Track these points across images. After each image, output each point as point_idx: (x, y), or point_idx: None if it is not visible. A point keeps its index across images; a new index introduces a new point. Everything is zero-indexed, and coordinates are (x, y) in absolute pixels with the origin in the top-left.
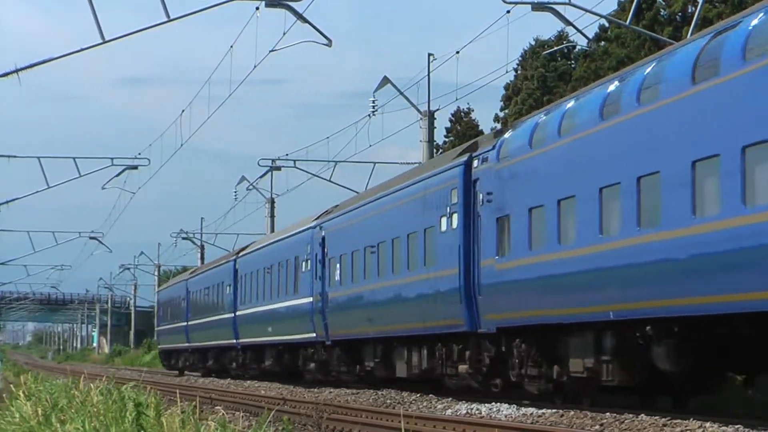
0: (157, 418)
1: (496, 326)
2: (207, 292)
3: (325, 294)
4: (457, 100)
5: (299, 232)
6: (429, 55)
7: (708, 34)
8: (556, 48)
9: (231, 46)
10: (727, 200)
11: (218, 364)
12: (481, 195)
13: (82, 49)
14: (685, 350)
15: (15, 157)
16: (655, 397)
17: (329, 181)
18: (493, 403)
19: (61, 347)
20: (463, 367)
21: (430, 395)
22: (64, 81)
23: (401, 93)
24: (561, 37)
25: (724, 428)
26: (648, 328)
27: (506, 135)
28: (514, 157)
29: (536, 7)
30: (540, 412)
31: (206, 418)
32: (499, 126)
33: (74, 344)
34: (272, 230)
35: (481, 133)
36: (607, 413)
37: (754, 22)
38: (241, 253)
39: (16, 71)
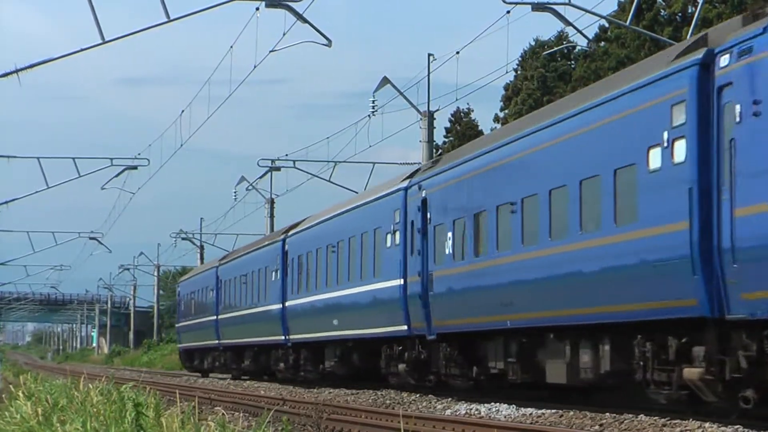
0: (157, 418)
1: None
2: (245, 279)
3: (428, 274)
4: (457, 100)
5: (381, 198)
6: (429, 55)
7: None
8: (556, 48)
9: (231, 47)
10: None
11: (257, 365)
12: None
13: (82, 50)
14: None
15: (15, 157)
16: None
17: (329, 181)
18: (493, 404)
19: (61, 347)
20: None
21: (430, 395)
22: (64, 81)
23: (401, 93)
24: (561, 37)
25: (723, 428)
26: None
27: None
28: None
29: (536, 8)
30: (540, 412)
31: (206, 418)
32: (499, 126)
33: (74, 344)
34: (272, 231)
35: (481, 133)
36: (607, 413)
37: None
38: (292, 231)
39: (16, 71)
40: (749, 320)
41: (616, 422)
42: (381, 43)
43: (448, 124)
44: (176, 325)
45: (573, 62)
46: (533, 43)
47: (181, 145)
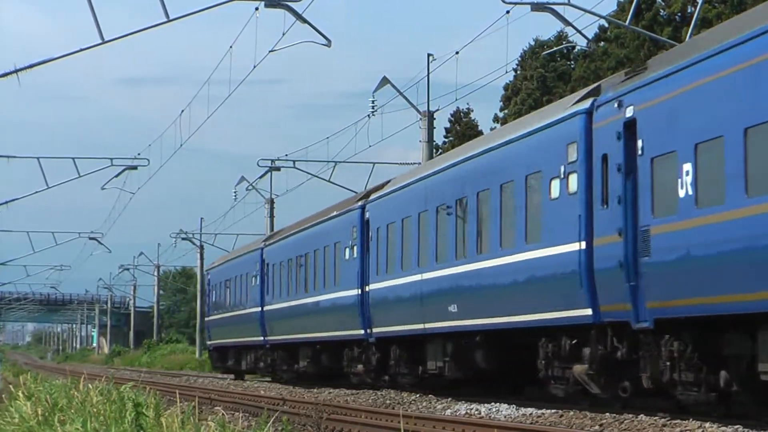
0: (157, 418)
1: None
2: (302, 261)
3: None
4: (456, 100)
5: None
6: (428, 55)
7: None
8: (555, 48)
9: (231, 47)
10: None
11: (318, 366)
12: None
13: (82, 50)
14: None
15: (15, 157)
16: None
17: (329, 181)
18: (493, 404)
19: (61, 347)
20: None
21: (430, 395)
22: (64, 81)
23: (401, 93)
24: (560, 37)
25: (723, 428)
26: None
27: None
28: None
29: (536, 8)
30: (539, 412)
31: (206, 418)
32: (498, 125)
33: (74, 345)
34: (272, 231)
35: (481, 133)
36: (607, 413)
37: None
38: (374, 196)
39: (16, 71)
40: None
41: (616, 422)
42: (381, 43)
43: (448, 124)
44: (206, 319)
45: (572, 62)
46: (533, 43)
47: (181, 145)
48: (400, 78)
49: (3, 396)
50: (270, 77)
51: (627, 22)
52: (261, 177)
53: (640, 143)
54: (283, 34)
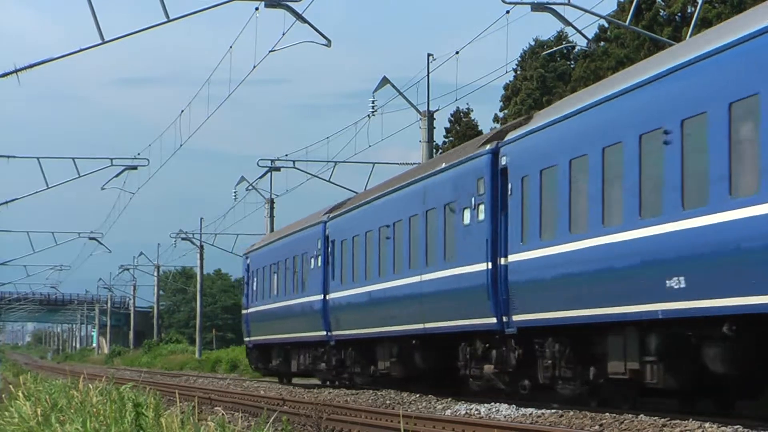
0: (157, 418)
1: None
2: (388, 232)
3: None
4: (456, 100)
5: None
6: (428, 55)
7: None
8: (555, 48)
9: (230, 47)
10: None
11: (407, 366)
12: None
13: (82, 50)
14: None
15: (14, 157)
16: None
17: (329, 181)
18: (492, 403)
19: (61, 347)
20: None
21: (430, 395)
22: (64, 81)
23: (401, 93)
24: (560, 37)
25: (723, 428)
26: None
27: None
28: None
29: (536, 8)
30: (540, 412)
31: (205, 418)
32: (498, 125)
33: (73, 344)
34: (272, 231)
35: (481, 133)
36: (607, 413)
37: None
38: (511, 136)
39: (16, 71)
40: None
41: (616, 422)
42: (381, 43)
43: (448, 124)
44: (244, 312)
45: (572, 62)
46: (533, 43)
47: (181, 146)
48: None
49: (3, 396)
50: (270, 77)
51: (627, 22)
52: (261, 177)
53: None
54: (283, 34)
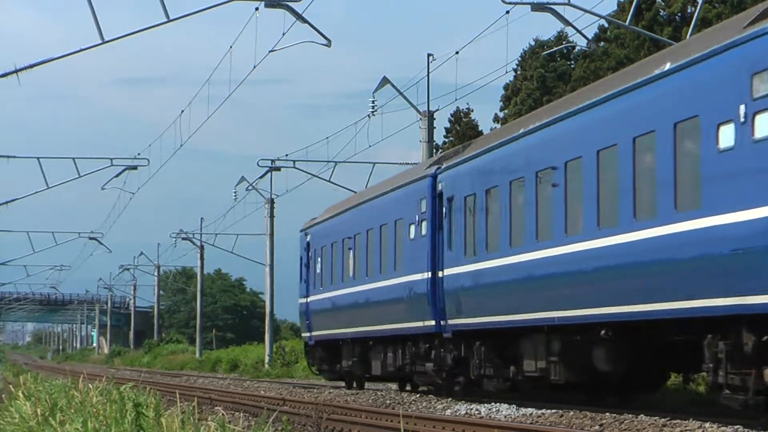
0: (157, 418)
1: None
2: (548, 176)
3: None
4: (456, 100)
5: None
6: (428, 55)
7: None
8: (555, 48)
9: (231, 47)
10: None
11: (575, 369)
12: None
13: (82, 50)
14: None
15: (14, 157)
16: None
17: (329, 181)
18: (493, 403)
19: (61, 347)
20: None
21: (430, 395)
22: (64, 81)
23: (401, 93)
24: (560, 37)
25: (723, 428)
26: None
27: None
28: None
29: (536, 8)
30: (540, 412)
31: (206, 418)
32: (498, 125)
33: (74, 344)
34: (272, 231)
35: (481, 133)
36: (607, 413)
37: None
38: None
39: (16, 71)
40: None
41: (616, 422)
42: (381, 43)
43: (448, 124)
44: (301, 301)
45: (572, 62)
46: (533, 43)
47: (181, 146)
48: (400, 78)
49: (3, 396)
50: (270, 77)
51: (627, 22)
52: (261, 177)
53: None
54: (283, 34)
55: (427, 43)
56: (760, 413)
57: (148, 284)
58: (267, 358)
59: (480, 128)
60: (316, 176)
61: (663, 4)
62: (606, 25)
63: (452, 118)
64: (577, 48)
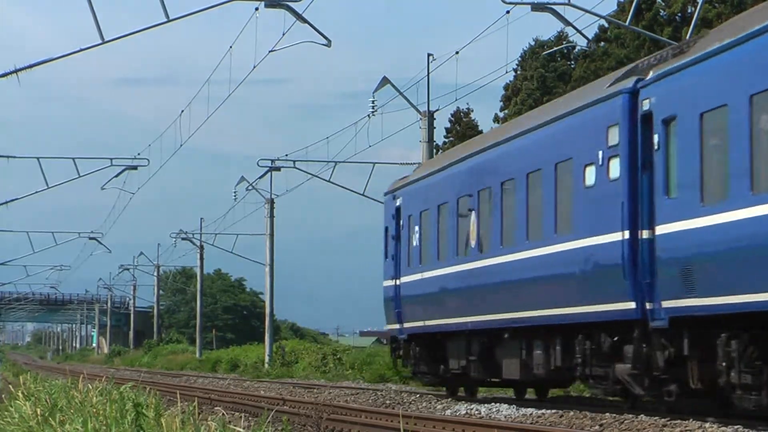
0: (157, 418)
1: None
2: None
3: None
4: (456, 100)
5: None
6: (428, 55)
7: None
8: (555, 48)
9: (230, 47)
10: None
11: None
12: None
13: (82, 50)
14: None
15: (14, 157)
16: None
17: (329, 181)
18: (493, 403)
19: (61, 347)
20: None
21: (430, 395)
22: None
23: (401, 93)
24: (560, 37)
25: (723, 428)
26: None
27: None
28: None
29: (536, 8)
30: (540, 412)
31: (206, 418)
32: (499, 125)
33: (73, 344)
34: (272, 231)
35: (481, 133)
36: (607, 413)
37: None
38: None
39: (16, 71)
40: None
41: (616, 422)
42: (381, 43)
43: (448, 124)
44: (386, 284)
45: (572, 62)
46: (533, 43)
47: (181, 146)
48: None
49: (3, 396)
50: (270, 77)
51: (627, 22)
52: (261, 177)
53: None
54: (283, 34)
55: (427, 43)
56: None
57: (148, 284)
58: (267, 358)
59: (480, 128)
60: (316, 176)
61: (663, 4)
62: (606, 25)
63: (452, 118)
64: (577, 48)
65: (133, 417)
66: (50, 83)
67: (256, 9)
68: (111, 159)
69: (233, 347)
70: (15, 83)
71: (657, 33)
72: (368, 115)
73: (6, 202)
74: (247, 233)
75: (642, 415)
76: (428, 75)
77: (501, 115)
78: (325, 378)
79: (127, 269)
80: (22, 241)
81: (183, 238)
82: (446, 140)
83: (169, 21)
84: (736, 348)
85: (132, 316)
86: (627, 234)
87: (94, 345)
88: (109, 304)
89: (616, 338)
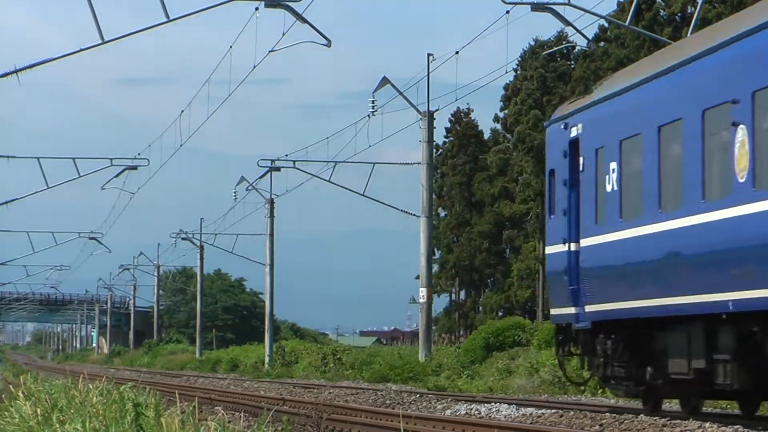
0: (157, 418)
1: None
2: None
3: None
4: (456, 100)
5: None
6: (428, 55)
7: None
8: (555, 48)
9: (230, 47)
10: None
11: None
12: None
13: (82, 50)
14: None
15: (14, 157)
16: None
17: (329, 181)
18: (493, 403)
19: (61, 347)
20: None
21: (430, 395)
22: (64, 81)
23: (401, 93)
24: (560, 37)
25: (723, 428)
26: None
27: None
28: None
29: (536, 8)
30: (540, 412)
31: (206, 418)
32: (499, 126)
33: (73, 344)
34: (272, 231)
35: (482, 133)
36: (607, 413)
37: None
38: None
39: (16, 71)
40: None
41: (616, 422)
42: (381, 43)
43: (449, 124)
44: (557, 249)
45: (572, 62)
46: (533, 43)
47: (181, 146)
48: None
49: (3, 396)
50: (270, 77)
51: (627, 22)
52: (261, 177)
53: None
54: (283, 34)
55: (427, 43)
56: None
57: (148, 284)
58: (267, 358)
59: (480, 128)
60: (316, 176)
61: (663, 4)
62: (606, 25)
63: (452, 118)
64: (577, 48)
65: (133, 417)
66: (50, 83)
67: (256, 9)
68: (111, 159)
69: (233, 347)
70: (15, 83)
71: (657, 33)
72: (368, 115)
73: (6, 202)
74: (247, 233)
75: (642, 415)
76: (428, 75)
77: (501, 115)
78: (325, 378)
79: (127, 269)
80: (22, 241)
81: (183, 238)
82: (446, 140)
83: (169, 21)
84: None
85: (132, 316)
86: None
87: (94, 345)
88: (109, 304)
89: None
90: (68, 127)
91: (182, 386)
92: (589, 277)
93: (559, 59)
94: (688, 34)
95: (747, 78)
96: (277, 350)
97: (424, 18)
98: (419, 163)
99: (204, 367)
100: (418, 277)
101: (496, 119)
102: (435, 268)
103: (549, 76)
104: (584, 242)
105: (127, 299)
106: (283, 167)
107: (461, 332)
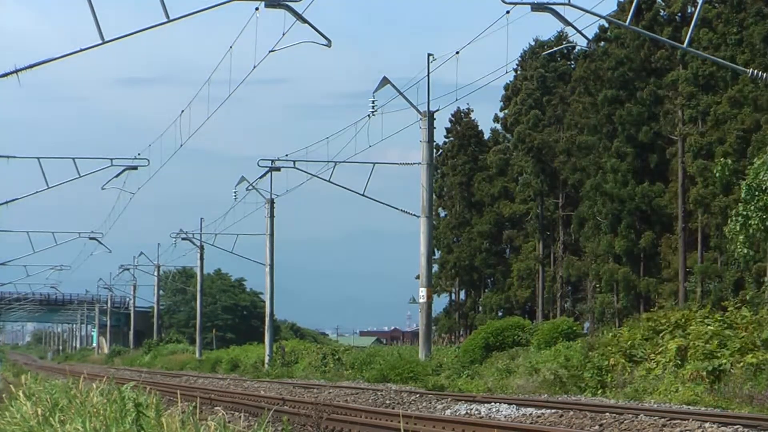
0: (157, 418)
1: None
2: None
3: None
4: (456, 100)
5: None
6: (429, 55)
7: None
8: (555, 48)
9: (230, 47)
10: None
11: None
12: None
13: (82, 50)
14: None
15: (15, 157)
16: None
17: (329, 181)
18: (493, 403)
19: (61, 347)
20: None
21: (430, 395)
22: (64, 81)
23: (401, 93)
24: (560, 37)
25: (723, 428)
26: None
27: None
28: None
29: (536, 8)
30: (540, 412)
31: (206, 418)
32: (499, 126)
33: (74, 344)
34: (272, 231)
35: (482, 133)
36: (607, 413)
37: None
38: None
39: (16, 72)
40: None
41: (616, 422)
42: (381, 43)
43: (449, 125)
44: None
45: (572, 62)
46: (533, 44)
47: (181, 146)
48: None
49: (3, 396)
50: (270, 77)
51: (627, 22)
52: (261, 177)
53: None
54: (283, 34)
55: (427, 43)
56: None
57: (148, 284)
58: (267, 358)
59: (480, 128)
60: (316, 176)
61: (663, 4)
62: (606, 25)
63: (452, 118)
64: (577, 48)
65: (134, 417)
66: (50, 83)
67: (256, 9)
68: (111, 159)
69: (233, 347)
70: (15, 83)
71: (657, 33)
72: (368, 115)
73: (6, 202)
74: (247, 233)
75: (642, 415)
76: (428, 75)
77: (501, 115)
78: (325, 378)
79: (127, 269)
80: (22, 241)
81: (183, 238)
82: (446, 140)
83: (169, 21)
84: None
85: (132, 316)
86: None
87: (94, 345)
88: (109, 304)
89: None
90: (68, 127)
91: (182, 386)
92: None
93: (559, 59)
94: (688, 34)
95: None
96: (277, 350)
97: (425, 18)
98: (419, 163)
99: (204, 367)
100: (418, 277)
101: (496, 119)
102: (435, 268)
103: (549, 76)
104: None
105: (127, 299)
106: (283, 167)
107: (461, 332)
